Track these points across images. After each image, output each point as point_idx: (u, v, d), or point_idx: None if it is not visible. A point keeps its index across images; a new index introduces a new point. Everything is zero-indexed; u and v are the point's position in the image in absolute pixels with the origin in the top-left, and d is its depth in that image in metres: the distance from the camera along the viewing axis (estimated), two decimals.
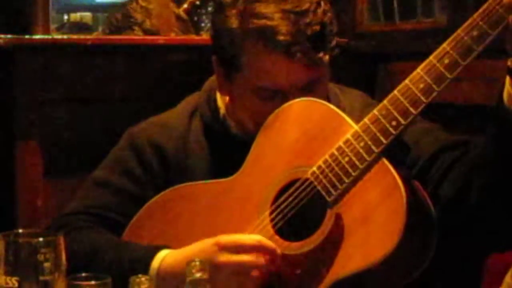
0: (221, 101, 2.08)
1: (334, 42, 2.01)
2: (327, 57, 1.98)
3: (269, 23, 1.93)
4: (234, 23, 1.98)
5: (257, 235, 1.79)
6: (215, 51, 2.05)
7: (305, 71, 1.93)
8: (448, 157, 1.87)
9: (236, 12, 1.97)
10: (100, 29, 7.31)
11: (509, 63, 1.66)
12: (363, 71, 2.59)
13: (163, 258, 1.82)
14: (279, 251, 1.76)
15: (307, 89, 1.95)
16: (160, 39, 2.78)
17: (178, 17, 3.05)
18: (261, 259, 1.74)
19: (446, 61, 1.71)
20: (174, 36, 2.86)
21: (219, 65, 2.04)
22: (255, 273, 1.73)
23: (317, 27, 1.94)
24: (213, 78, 2.11)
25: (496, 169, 1.74)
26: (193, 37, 3.02)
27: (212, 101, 2.09)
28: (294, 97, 1.92)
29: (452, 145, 1.90)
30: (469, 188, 1.79)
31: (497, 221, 1.80)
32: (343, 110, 1.94)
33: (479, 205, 1.79)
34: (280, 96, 1.94)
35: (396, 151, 1.80)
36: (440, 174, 1.87)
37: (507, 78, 1.68)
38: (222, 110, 2.07)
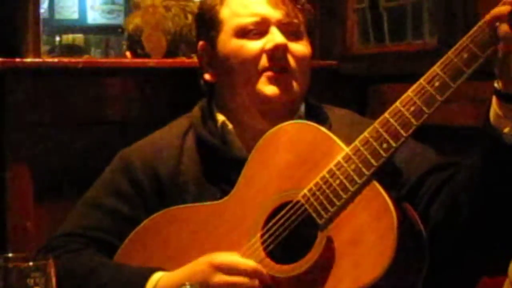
0: (217, 112, 2.08)
1: (309, 14, 2.09)
2: (301, 18, 2.05)
3: None
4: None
5: (253, 261, 1.77)
6: (198, 36, 2.14)
7: (284, 8, 2.00)
8: (437, 178, 1.87)
9: None
10: (92, 50, 7.33)
11: (495, 84, 1.67)
12: (353, 93, 2.59)
13: (158, 280, 1.81)
14: (268, 279, 1.75)
15: (291, 35, 2.00)
16: (150, 61, 2.77)
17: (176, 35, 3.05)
18: (254, 283, 1.74)
19: (437, 83, 1.70)
20: (165, 59, 2.86)
21: (202, 41, 2.11)
22: None
23: None
24: (204, 99, 2.12)
25: (484, 190, 1.73)
26: (184, 59, 3.01)
27: (207, 116, 2.08)
28: (278, 38, 1.97)
29: (441, 167, 1.90)
30: (459, 210, 1.78)
31: (487, 244, 1.79)
32: (330, 126, 1.96)
33: (469, 228, 1.78)
34: (265, 33, 1.99)
35: (386, 172, 1.78)
36: (429, 195, 1.86)
37: (494, 99, 1.68)
38: (220, 118, 2.06)
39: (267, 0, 2.00)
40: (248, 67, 1.98)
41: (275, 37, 1.97)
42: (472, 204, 1.75)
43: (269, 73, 1.97)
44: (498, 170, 1.70)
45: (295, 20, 2.02)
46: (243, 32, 2.00)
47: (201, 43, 2.11)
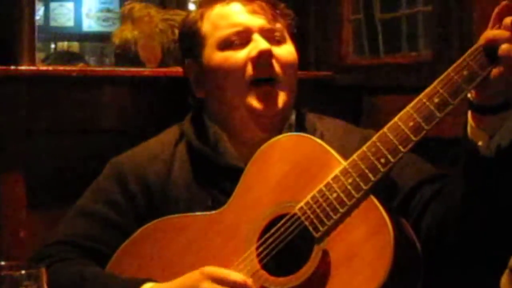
0: (209, 122, 2.08)
1: (289, 19, 2.11)
2: (283, 23, 2.07)
3: None
4: (191, 14, 2.14)
5: (243, 275, 1.76)
6: (183, 54, 2.15)
7: (263, 15, 2.01)
8: (428, 190, 1.88)
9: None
10: (86, 57, 7.36)
11: (469, 95, 1.68)
12: (348, 104, 2.61)
13: None
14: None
15: (273, 40, 2.01)
16: (145, 70, 2.77)
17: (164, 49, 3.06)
18: None
19: (436, 100, 1.70)
20: (160, 68, 2.87)
21: (187, 63, 2.12)
22: None
23: None
24: (196, 105, 2.14)
25: (467, 201, 1.74)
26: (178, 68, 3.01)
27: (199, 125, 2.08)
28: (261, 44, 1.97)
29: (432, 178, 1.91)
30: (448, 222, 1.80)
31: (475, 256, 1.80)
32: (321, 136, 1.97)
33: (458, 240, 1.79)
34: (249, 41, 2.00)
35: (382, 186, 1.78)
36: (421, 206, 1.87)
37: (469, 112, 1.70)
38: (211, 131, 2.06)
39: (246, 9, 2.02)
40: (235, 78, 1.99)
41: (259, 44, 1.98)
42: (457, 217, 1.76)
43: (257, 88, 1.97)
44: (478, 181, 1.72)
45: (277, 25, 2.03)
46: (226, 44, 2.01)
47: (187, 62, 2.12)
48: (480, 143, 1.68)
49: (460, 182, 1.76)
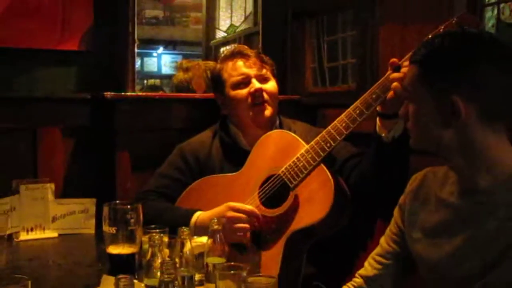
0: (231, 125, 2.05)
1: (272, 67, 2.06)
2: (268, 69, 2.03)
3: (230, 51, 2.08)
4: (216, 66, 2.10)
5: (251, 206, 1.76)
6: (214, 91, 2.12)
7: (256, 66, 1.99)
8: (353, 161, 1.86)
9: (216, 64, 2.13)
10: (164, 88, 7.38)
11: (378, 108, 1.67)
12: (309, 114, 2.57)
13: (198, 216, 1.80)
14: (260, 217, 1.74)
15: (263, 80, 1.99)
16: (196, 95, 2.76)
17: (206, 83, 3.05)
18: (251, 219, 1.73)
19: (358, 111, 1.70)
20: (204, 94, 2.86)
21: (217, 94, 2.10)
22: (245, 225, 1.72)
23: (258, 50, 2.12)
24: (223, 116, 2.10)
25: (376, 168, 1.73)
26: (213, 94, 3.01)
27: (225, 127, 2.06)
28: (256, 85, 1.96)
29: (356, 155, 1.88)
30: (364, 179, 1.78)
31: (381, 199, 1.76)
32: (294, 132, 1.93)
33: (372, 188, 1.77)
34: (249, 83, 1.98)
35: (328, 159, 1.78)
36: (349, 170, 1.85)
37: (377, 118, 1.69)
38: (232, 130, 2.04)
39: (246, 64, 1.99)
40: (242, 104, 1.97)
41: (255, 84, 1.96)
42: (371, 175, 1.75)
43: (254, 108, 1.96)
44: (381, 157, 1.71)
45: (264, 71, 2.00)
46: (236, 86, 1.99)
47: (216, 94, 2.10)
48: (383, 135, 1.68)
49: (371, 157, 1.75)
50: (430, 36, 1.48)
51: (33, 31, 2.55)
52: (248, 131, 2.00)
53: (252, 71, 1.98)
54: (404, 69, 1.58)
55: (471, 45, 1.16)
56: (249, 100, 1.96)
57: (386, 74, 1.66)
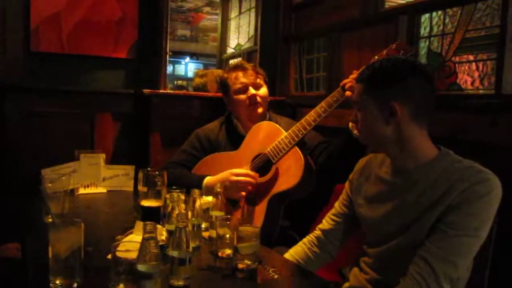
0: (233, 118, 2.01)
1: (264, 77, 1.98)
2: (261, 78, 1.96)
3: (234, 65, 2.01)
4: (223, 75, 2.01)
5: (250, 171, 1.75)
6: (222, 93, 2.04)
7: (252, 77, 1.93)
8: (322, 146, 1.84)
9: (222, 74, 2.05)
10: (189, 88, 7.30)
11: (351, 118, 1.58)
12: (291, 112, 2.56)
13: (207, 180, 1.78)
14: (255, 178, 1.73)
15: (257, 87, 1.93)
16: (209, 93, 2.74)
17: (217, 85, 3.01)
18: (250, 181, 1.71)
19: (322, 109, 1.68)
20: (215, 93, 2.84)
21: (223, 95, 2.03)
22: (245, 186, 1.70)
23: (254, 64, 2.02)
24: (227, 112, 2.07)
25: (342, 151, 1.70)
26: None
27: (229, 118, 2.02)
28: (252, 91, 1.91)
29: (324, 142, 1.86)
30: (331, 159, 1.76)
31: (339, 169, 1.72)
32: (279, 124, 1.90)
33: (333, 165, 1.76)
34: (247, 90, 1.92)
35: (301, 143, 1.75)
36: (318, 153, 1.83)
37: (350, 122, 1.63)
38: (234, 121, 2.00)
39: (245, 75, 1.93)
40: (242, 105, 1.93)
41: (251, 91, 1.91)
42: (336, 156, 1.73)
43: (250, 107, 1.92)
44: (347, 146, 1.67)
45: (258, 80, 1.94)
46: (237, 92, 1.93)
47: (223, 95, 2.03)
48: (354, 132, 1.61)
49: (340, 144, 1.71)
50: (376, 57, 1.47)
51: (94, 43, 2.58)
52: (245, 122, 1.97)
53: (249, 80, 1.93)
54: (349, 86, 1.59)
55: (400, 66, 1.16)
56: (247, 102, 1.92)
57: (343, 82, 1.65)
